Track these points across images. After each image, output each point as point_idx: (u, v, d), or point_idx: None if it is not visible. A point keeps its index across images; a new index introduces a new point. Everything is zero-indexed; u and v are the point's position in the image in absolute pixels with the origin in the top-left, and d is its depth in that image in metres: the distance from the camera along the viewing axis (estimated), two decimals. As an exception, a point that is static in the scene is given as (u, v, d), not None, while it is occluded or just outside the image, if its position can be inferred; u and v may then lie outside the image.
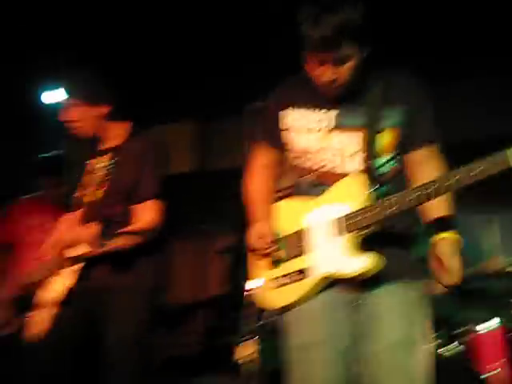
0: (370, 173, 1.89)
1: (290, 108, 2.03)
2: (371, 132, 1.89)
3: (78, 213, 2.37)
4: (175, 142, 4.60)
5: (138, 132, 2.71)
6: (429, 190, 1.69)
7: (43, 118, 4.76)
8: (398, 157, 1.96)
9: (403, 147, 1.95)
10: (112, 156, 2.38)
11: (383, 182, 1.91)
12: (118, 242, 2.43)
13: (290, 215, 2.03)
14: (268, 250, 2.02)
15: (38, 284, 3.72)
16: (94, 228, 2.35)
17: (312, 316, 1.92)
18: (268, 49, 3.53)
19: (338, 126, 1.93)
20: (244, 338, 3.27)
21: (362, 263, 1.79)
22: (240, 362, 2.99)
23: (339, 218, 1.86)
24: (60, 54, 4.18)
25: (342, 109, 1.94)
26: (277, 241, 2.03)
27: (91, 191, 2.56)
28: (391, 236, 1.89)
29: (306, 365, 1.89)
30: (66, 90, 2.62)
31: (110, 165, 2.37)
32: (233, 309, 3.90)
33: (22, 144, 4.81)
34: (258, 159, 2.20)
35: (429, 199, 1.71)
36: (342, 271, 1.84)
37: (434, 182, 1.69)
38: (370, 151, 1.89)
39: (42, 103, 4.80)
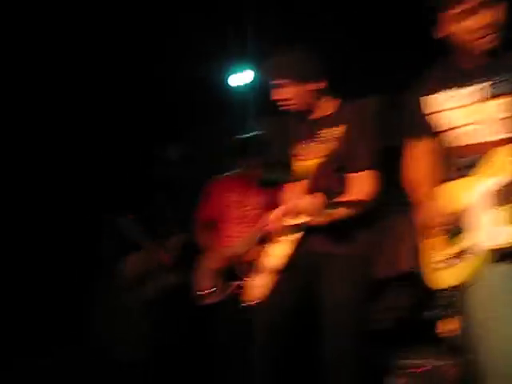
0: None
1: (436, 92, 2.08)
2: None
3: (300, 183, 2.42)
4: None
5: (349, 102, 2.69)
6: None
7: (230, 100, 4.95)
8: None
9: None
10: (340, 126, 2.41)
11: None
12: (337, 212, 2.45)
13: (451, 197, 2.08)
14: (444, 227, 2.06)
15: (240, 256, 3.96)
16: (317, 198, 2.38)
17: (490, 291, 1.94)
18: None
19: (487, 96, 1.96)
20: (444, 313, 3.17)
21: None
22: (443, 335, 2.89)
23: (494, 191, 1.90)
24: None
25: (488, 79, 1.96)
26: (447, 220, 2.07)
27: (312, 161, 2.59)
28: None
29: (490, 340, 1.92)
30: (276, 71, 2.67)
31: (338, 134, 2.40)
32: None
33: (213, 128, 5.01)
34: (412, 151, 2.29)
35: None
36: (504, 242, 1.86)
37: None
38: None
39: (229, 86, 4.96)
